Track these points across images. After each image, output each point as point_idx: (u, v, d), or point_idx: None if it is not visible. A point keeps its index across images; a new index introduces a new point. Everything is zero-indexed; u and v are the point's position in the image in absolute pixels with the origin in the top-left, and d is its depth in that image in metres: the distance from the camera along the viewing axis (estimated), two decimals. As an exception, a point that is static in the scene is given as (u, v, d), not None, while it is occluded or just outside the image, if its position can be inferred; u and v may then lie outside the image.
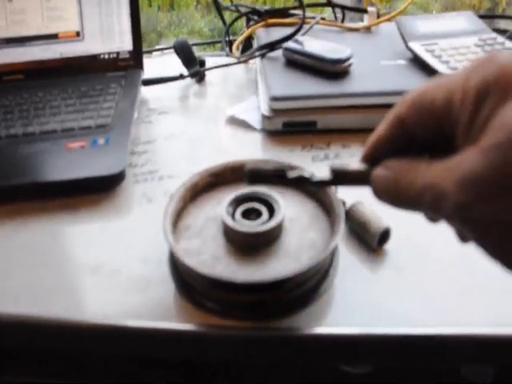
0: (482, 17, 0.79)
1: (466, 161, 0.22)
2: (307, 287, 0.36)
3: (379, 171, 0.27)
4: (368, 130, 0.55)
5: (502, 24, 1.05)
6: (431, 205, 0.23)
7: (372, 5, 0.81)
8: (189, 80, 0.71)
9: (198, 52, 0.90)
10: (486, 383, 0.47)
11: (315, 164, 0.52)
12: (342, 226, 0.36)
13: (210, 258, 0.37)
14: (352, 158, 0.53)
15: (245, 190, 0.40)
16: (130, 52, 0.70)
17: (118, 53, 0.70)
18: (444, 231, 0.41)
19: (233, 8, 0.80)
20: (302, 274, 0.34)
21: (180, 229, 0.40)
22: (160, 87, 0.68)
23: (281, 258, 0.37)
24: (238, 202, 0.39)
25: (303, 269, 0.34)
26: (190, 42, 0.83)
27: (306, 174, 0.30)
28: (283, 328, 0.35)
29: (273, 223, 0.37)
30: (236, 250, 0.37)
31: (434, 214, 0.27)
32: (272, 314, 0.35)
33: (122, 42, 0.70)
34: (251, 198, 0.40)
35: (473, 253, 0.35)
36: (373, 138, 0.28)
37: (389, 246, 0.41)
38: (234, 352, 0.37)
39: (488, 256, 0.23)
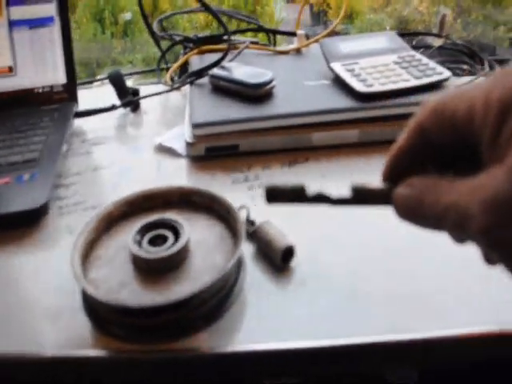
0: (403, 35, 0.83)
1: (492, 180, 0.21)
2: (208, 306, 0.37)
3: (401, 189, 0.26)
4: (288, 150, 0.59)
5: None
6: (455, 225, 0.22)
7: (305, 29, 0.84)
8: (125, 110, 0.73)
9: (139, 80, 0.93)
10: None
11: (235, 186, 0.54)
12: (239, 247, 0.38)
13: (117, 284, 0.38)
14: (271, 178, 0.55)
15: (153, 217, 0.42)
16: (63, 85, 0.72)
17: (51, 86, 0.72)
18: (345, 249, 0.44)
19: (167, 37, 0.82)
20: (198, 294, 0.36)
21: (91, 259, 0.41)
22: (98, 118, 0.70)
23: (184, 281, 0.38)
24: (145, 229, 0.41)
25: (197, 289, 0.35)
26: (129, 71, 0.86)
27: (326, 193, 0.29)
28: (187, 348, 0.37)
29: (175, 248, 0.39)
30: (142, 275, 0.39)
31: (458, 235, 0.26)
32: (175, 335, 0.37)
33: (55, 76, 0.72)
34: (159, 225, 0.41)
35: (368, 269, 0.37)
36: (393, 150, 0.27)
37: (294, 263, 0.43)
38: (143, 375, 0.38)
39: None
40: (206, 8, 0.72)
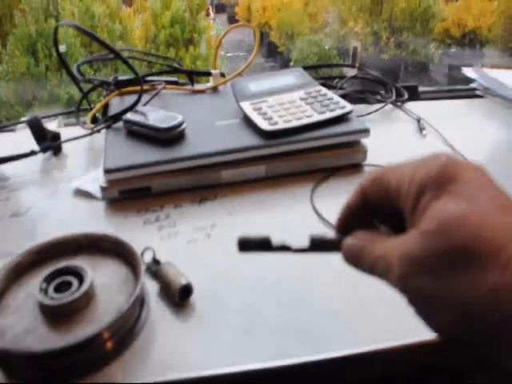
0: (308, 68, 0.89)
1: (408, 241, 0.27)
2: (112, 344, 0.41)
3: (348, 239, 0.32)
4: (199, 188, 0.63)
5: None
6: (382, 273, 0.29)
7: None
8: (47, 154, 0.76)
9: (65, 119, 0.95)
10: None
11: (146, 227, 0.57)
12: (137, 288, 0.42)
13: (23, 331, 0.41)
14: (181, 216, 0.59)
15: (60, 265, 0.45)
16: (-19, 133, 0.74)
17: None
18: (240, 283, 0.48)
19: (86, 81, 0.85)
20: (98, 334, 0.39)
21: (0, 307, 0.43)
22: (19, 163, 0.72)
23: (88, 323, 0.41)
24: (51, 277, 0.44)
25: (95, 331, 0.38)
26: (49, 113, 0.88)
27: (287, 244, 0.34)
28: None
29: (77, 294, 0.42)
30: (49, 321, 0.42)
31: (385, 282, 0.30)
32: (83, 374, 0.40)
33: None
34: (65, 272, 0.44)
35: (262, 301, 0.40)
36: (343, 206, 0.33)
37: (194, 298, 0.46)
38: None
39: (420, 319, 0.28)
40: (116, 55, 0.75)
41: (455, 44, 4.91)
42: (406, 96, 0.99)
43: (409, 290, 0.27)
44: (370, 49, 4.56)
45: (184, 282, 0.45)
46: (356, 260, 0.31)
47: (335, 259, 0.33)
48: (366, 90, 1.02)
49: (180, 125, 0.67)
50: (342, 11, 4.77)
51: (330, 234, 0.33)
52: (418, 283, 0.26)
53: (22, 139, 0.82)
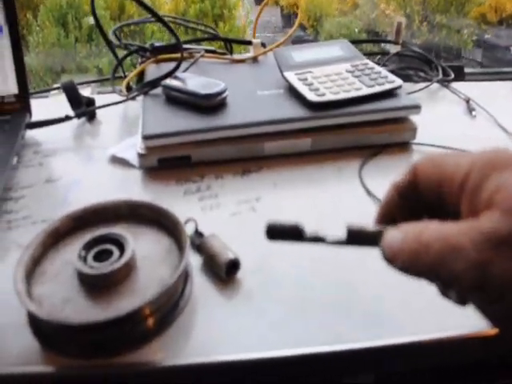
0: (355, 42, 0.85)
1: (485, 223, 0.23)
2: (154, 320, 0.38)
3: (391, 230, 0.27)
4: (241, 160, 0.59)
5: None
6: (443, 263, 0.23)
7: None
8: (81, 120, 0.73)
9: (98, 88, 0.92)
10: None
11: (186, 197, 0.54)
12: (184, 261, 0.39)
13: (60, 301, 0.38)
14: (223, 188, 0.56)
15: (99, 232, 0.42)
16: (15, 96, 0.71)
17: (2, 97, 0.71)
18: (292, 260, 0.45)
19: (122, 46, 0.82)
20: (141, 308, 0.36)
21: (36, 274, 0.41)
22: (53, 129, 0.69)
23: (129, 296, 0.38)
24: (91, 244, 0.41)
25: (138, 305, 0.35)
26: (83, 80, 0.85)
27: (322, 235, 0.30)
28: (135, 362, 0.37)
29: (119, 264, 0.39)
30: (87, 290, 0.39)
31: (439, 271, 0.24)
32: (121, 350, 0.37)
33: (6, 86, 0.71)
34: (105, 240, 0.41)
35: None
36: (389, 187, 0.30)
37: (241, 274, 0.43)
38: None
39: (489, 320, 0.25)
40: (158, 19, 0.72)
41: (491, 29, 4.74)
42: (453, 76, 0.94)
43: (490, 280, 0.23)
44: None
45: (231, 256, 0.42)
46: (400, 254, 0.25)
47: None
48: (410, 67, 0.96)
49: (222, 92, 0.63)
50: (373, -8, 4.64)
51: (370, 226, 0.29)
52: (507, 269, 0.22)
53: (55, 105, 0.79)
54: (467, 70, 1.06)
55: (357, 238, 0.28)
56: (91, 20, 2.30)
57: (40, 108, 0.73)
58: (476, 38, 4.78)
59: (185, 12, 2.89)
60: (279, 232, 0.31)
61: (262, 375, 0.39)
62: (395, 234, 0.26)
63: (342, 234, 0.29)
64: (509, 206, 0.23)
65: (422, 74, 0.94)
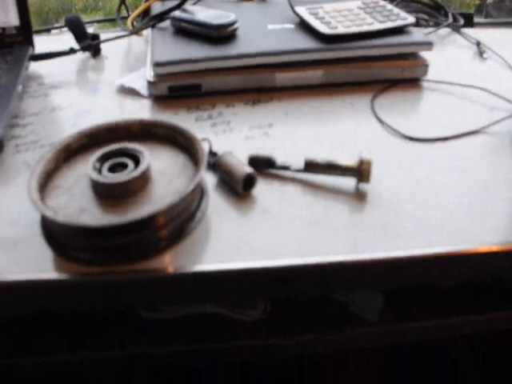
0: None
1: None
2: (171, 228, 0.37)
3: None
4: (251, 90, 0.58)
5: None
6: None
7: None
8: (85, 55, 0.71)
9: (99, 29, 0.89)
10: (373, 319, 0.50)
11: (198, 123, 0.53)
12: (201, 171, 0.38)
13: (76, 210, 0.38)
14: (235, 115, 0.55)
15: (114, 146, 0.41)
16: (16, 28, 0.69)
17: (3, 28, 0.69)
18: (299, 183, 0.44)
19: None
20: (159, 214, 0.35)
21: (49, 188, 0.40)
22: (57, 63, 0.67)
23: (145, 205, 0.38)
24: (105, 157, 0.40)
25: (156, 209, 0.35)
26: (88, 19, 0.83)
27: (287, 164, 0.42)
28: (150, 269, 0.36)
29: (135, 173, 0.38)
30: (102, 201, 0.38)
31: None
32: (137, 257, 0.37)
33: (7, 18, 0.69)
34: (119, 154, 0.41)
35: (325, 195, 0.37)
36: None
37: (256, 191, 0.43)
38: (107, 297, 0.38)
39: None
40: None
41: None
42: (462, 22, 0.92)
43: None
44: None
45: (248, 170, 0.41)
46: None
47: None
48: (421, 10, 0.95)
49: (233, 23, 0.62)
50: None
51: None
52: None
53: (58, 42, 0.77)
54: (476, 20, 1.05)
55: (310, 167, 0.37)
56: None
57: (42, 44, 0.71)
58: None
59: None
60: (258, 161, 0.43)
61: (278, 283, 0.39)
62: None
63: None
64: None
65: (432, 20, 0.92)
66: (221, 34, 0.61)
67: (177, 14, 0.65)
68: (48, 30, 0.84)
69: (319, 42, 0.62)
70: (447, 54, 0.78)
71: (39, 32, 0.83)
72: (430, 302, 0.48)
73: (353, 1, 0.72)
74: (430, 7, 0.98)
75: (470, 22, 0.99)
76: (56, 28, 0.83)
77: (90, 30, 0.83)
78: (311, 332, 0.47)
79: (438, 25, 0.88)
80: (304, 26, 0.66)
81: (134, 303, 0.40)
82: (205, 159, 0.39)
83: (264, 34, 0.64)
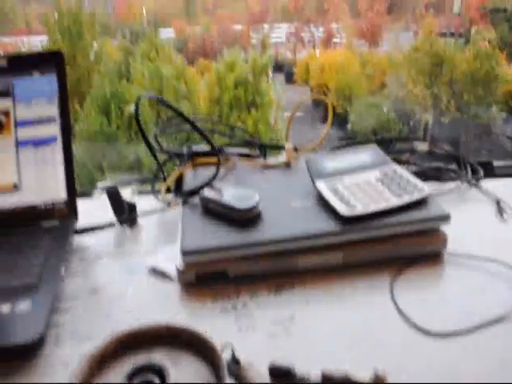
0: (384, 141, 0.87)
1: None
2: None
3: None
4: (274, 275, 0.61)
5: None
6: None
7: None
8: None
9: (138, 186, 0.97)
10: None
11: (222, 316, 0.56)
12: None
13: None
14: (258, 306, 0.58)
15: (141, 359, 0.44)
16: (64, 201, 0.75)
17: (53, 203, 0.75)
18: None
19: (163, 151, 0.87)
20: None
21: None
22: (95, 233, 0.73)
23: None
24: (132, 375, 0.43)
25: None
26: (125, 180, 0.91)
27: (306, 376, 0.45)
28: None
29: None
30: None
31: None
32: None
33: (57, 192, 0.75)
34: (146, 369, 0.43)
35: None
36: None
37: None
38: None
39: None
40: (194, 128, 0.77)
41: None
42: (482, 174, 0.95)
43: None
44: (430, 111, 4.53)
45: (268, 389, 0.43)
46: None
47: None
48: (439, 167, 0.99)
49: (256, 206, 0.66)
50: (400, 73, 4.80)
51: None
52: None
53: (98, 205, 0.83)
54: (496, 163, 1.07)
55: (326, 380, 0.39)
56: (132, 108, 2.43)
57: (84, 208, 0.76)
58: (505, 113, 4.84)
59: (219, 99, 3.03)
60: (278, 372, 0.46)
61: None
62: None
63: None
64: None
65: (451, 174, 0.95)
66: (246, 217, 0.66)
67: (205, 193, 0.70)
68: (90, 194, 0.92)
69: (339, 222, 0.65)
70: (467, 215, 0.79)
71: (83, 196, 0.90)
72: None
73: (371, 171, 0.76)
74: (448, 158, 1.02)
75: (490, 170, 1.02)
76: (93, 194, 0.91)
77: (128, 191, 0.90)
78: None
79: (455, 179, 0.92)
80: (324, 203, 0.70)
81: None
82: (225, 375, 0.41)
83: (287, 213, 0.68)
